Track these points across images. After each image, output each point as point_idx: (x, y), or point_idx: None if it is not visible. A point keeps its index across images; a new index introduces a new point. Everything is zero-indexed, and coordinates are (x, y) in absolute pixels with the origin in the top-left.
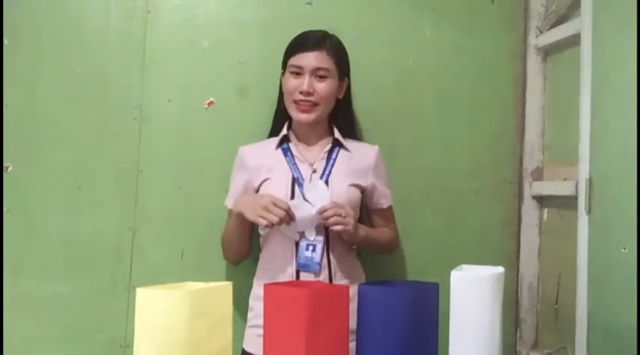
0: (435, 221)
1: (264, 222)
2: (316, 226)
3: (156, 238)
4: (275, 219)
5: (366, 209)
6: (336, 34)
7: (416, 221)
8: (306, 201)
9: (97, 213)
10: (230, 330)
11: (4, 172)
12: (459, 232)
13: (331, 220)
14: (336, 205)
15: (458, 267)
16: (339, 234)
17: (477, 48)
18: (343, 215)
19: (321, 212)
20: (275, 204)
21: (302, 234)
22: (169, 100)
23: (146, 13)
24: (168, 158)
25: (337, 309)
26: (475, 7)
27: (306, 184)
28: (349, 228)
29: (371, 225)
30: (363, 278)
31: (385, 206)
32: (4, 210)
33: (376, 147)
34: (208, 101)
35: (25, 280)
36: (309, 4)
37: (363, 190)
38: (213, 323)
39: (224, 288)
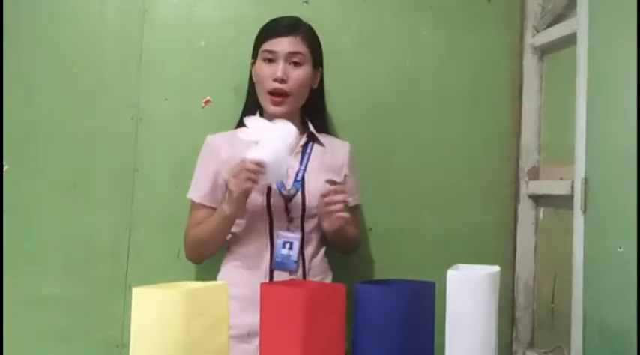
0: (432, 220)
1: (247, 185)
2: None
3: (152, 237)
4: (244, 174)
5: None
6: (333, 33)
7: (412, 220)
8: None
9: (93, 213)
10: (227, 330)
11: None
12: (455, 231)
13: (337, 207)
14: (340, 188)
15: (454, 266)
16: (336, 220)
17: (474, 47)
18: (343, 198)
19: (325, 196)
20: (234, 168)
21: (290, 168)
22: (166, 99)
23: (143, 12)
24: (165, 157)
25: (333, 308)
26: (472, 7)
27: (239, 132)
28: (347, 216)
29: None
30: (331, 275)
31: (352, 204)
32: None
33: (347, 143)
34: (205, 100)
35: (21, 279)
36: (306, 2)
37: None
38: (209, 323)
39: (220, 288)
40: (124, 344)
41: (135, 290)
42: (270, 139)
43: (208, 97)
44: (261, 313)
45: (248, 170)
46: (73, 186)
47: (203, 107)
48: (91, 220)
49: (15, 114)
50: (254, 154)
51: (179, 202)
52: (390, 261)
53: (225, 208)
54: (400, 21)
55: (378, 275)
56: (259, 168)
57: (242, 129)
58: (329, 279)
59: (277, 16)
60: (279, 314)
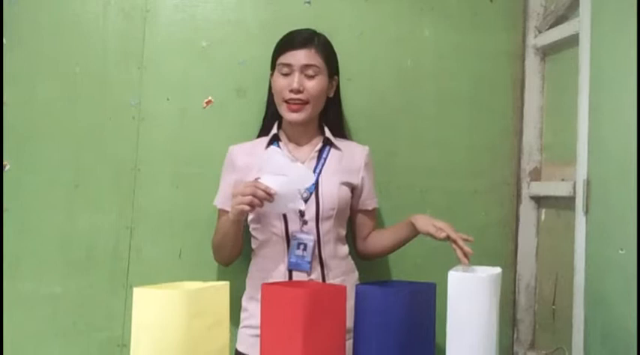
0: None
1: (244, 207)
2: (303, 199)
3: (153, 237)
4: (248, 199)
5: (352, 209)
6: (335, 34)
7: None
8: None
9: (94, 212)
10: (227, 330)
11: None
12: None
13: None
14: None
15: (455, 268)
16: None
17: (476, 48)
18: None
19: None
20: (244, 187)
21: (294, 208)
22: (168, 99)
23: (145, 12)
24: (166, 157)
25: (334, 309)
26: (474, 7)
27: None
28: None
29: (355, 226)
30: (356, 276)
31: (371, 207)
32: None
33: (367, 147)
34: (207, 100)
35: (22, 279)
36: (308, 3)
37: (353, 189)
38: (210, 323)
39: (221, 288)
40: (124, 344)
41: (136, 291)
42: (289, 177)
43: (210, 98)
44: (262, 313)
45: (255, 194)
46: (74, 185)
47: (204, 107)
48: (92, 220)
49: (16, 113)
50: (269, 183)
51: (180, 202)
52: (391, 262)
53: (229, 214)
54: (402, 22)
55: (380, 277)
56: (267, 197)
57: (264, 157)
58: (352, 280)
59: (282, 18)
60: (280, 315)
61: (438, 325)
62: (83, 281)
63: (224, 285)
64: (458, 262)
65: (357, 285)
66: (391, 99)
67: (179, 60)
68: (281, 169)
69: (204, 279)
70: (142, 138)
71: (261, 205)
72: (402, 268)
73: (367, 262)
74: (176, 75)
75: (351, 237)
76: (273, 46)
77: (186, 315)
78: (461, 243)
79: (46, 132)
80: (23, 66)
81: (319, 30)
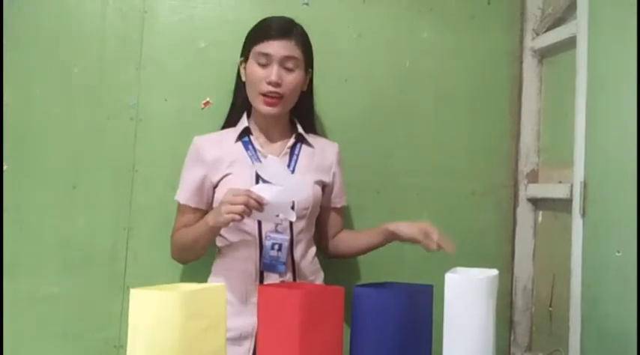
0: (430, 222)
1: (235, 217)
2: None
3: (151, 239)
4: (240, 208)
5: (321, 207)
6: (333, 35)
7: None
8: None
9: (92, 213)
10: (224, 332)
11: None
12: (453, 234)
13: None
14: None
15: (452, 269)
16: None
17: (474, 49)
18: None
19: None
20: (235, 195)
21: (281, 217)
22: (166, 100)
23: (143, 13)
24: (164, 158)
25: (331, 311)
26: (472, 9)
27: (257, 165)
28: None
29: (322, 225)
30: (322, 276)
31: (340, 205)
32: None
33: (336, 143)
34: (205, 101)
35: (19, 279)
36: (306, 4)
37: (324, 187)
38: (207, 325)
39: (218, 290)
40: (121, 345)
41: (132, 292)
42: (284, 188)
43: (208, 98)
44: (258, 315)
45: (248, 204)
46: (72, 186)
47: (202, 108)
48: (90, 221)
49: (14, 114)
50: (263, 193)
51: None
52: (388, 264)
53: (210, 219)
54: (400, 23)
55: (376, 278)
56: (259, 207)
57: (258, 165)
58: (319, 280)
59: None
60: (277, 317)
61: (434, 327)
62: (80, 282)
63: (221, 287)
64: (455, 264)
65: (354, 287)
66: (389, 101)
67: (177, 61)
68: (277, 179)
69: (202, 281)
70: (139, 139)
71: (250, 214)
72: (400, 270)
73: (363, 263)
74: (174, 76)
75: (317, 236)
76: None
77: (182, 317)
78: (444, 244)
79: (44, 132)
80: (21, 66)
81: (318, 31)
